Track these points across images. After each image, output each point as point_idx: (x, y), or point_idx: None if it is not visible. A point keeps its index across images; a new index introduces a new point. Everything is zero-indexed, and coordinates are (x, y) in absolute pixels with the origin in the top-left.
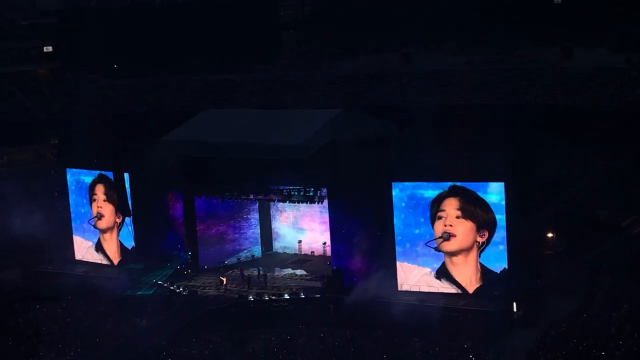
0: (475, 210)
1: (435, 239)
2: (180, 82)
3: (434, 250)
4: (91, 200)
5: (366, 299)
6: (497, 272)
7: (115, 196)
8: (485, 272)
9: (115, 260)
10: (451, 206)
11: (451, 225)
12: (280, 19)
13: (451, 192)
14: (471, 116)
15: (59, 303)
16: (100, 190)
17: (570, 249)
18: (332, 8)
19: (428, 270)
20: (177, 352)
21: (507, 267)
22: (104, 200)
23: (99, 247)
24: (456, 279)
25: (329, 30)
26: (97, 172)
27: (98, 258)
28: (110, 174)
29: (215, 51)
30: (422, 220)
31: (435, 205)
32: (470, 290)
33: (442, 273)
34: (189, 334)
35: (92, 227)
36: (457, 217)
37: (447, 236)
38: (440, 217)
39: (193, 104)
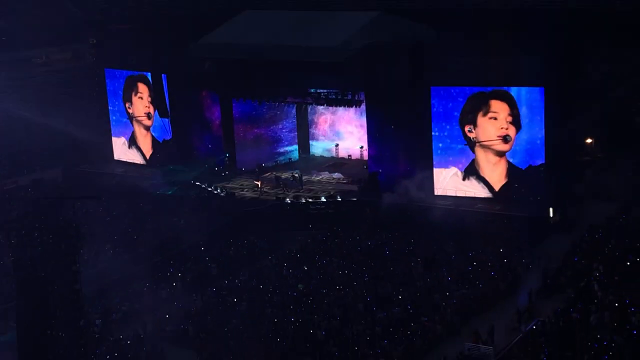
0: (519, 116)
1: (492, 140)
2: None
3: (466, 147)
4: (133, 97)
5: (402, 202)
6: (522, 169)
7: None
8: (511, 169)
9: (148, 154)
10: (504, 110)
11: (507, 129)
12: None
13: (497, 95)
14: (512, 20)
15: (99, 202)
16: (144, 90)
17: (609, 155)
18: None
19: (454, 170)
20: (214, 251)
21: (532, 165)
22: (150, 102)
23: (132, 142)
24: (485, 177)
25: None
26: (137, 72)
27: (131, 154)
28: (148, 75)
29: None
30: (450, 126)
31: (482, 106)
32: (497, 187)
33: (471, 172)
34: (227, 234)
35: (129, 123)
36: (509, 122)
37: (509, 138)
38: (493, 118)
39: (230, 4)
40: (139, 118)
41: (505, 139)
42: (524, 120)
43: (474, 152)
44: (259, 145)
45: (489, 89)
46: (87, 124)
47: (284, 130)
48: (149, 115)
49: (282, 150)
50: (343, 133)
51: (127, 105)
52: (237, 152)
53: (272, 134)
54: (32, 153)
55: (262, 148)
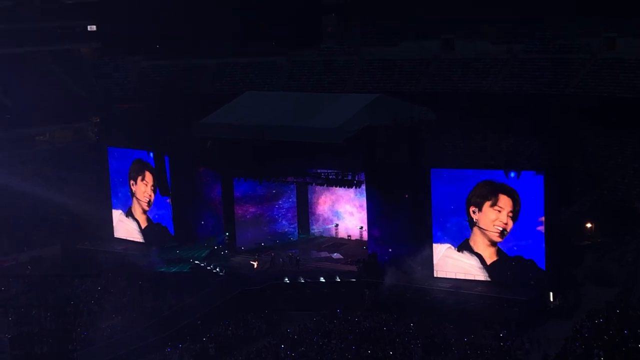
0: (519, 212)
1: (490, 230)
2: (220, 65)
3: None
4: (138, 180)
5: (401, 283)
6: (510, 255)
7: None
8: (500, 253)
9: (143, 225)
10: (508, 206)
11: (506, 224)
12: (321, 3)
13: (505, 190)
14: (511, 105)
15: (98, 280)
16: (150, 179)
17: (609, 240)
18: None
19: (447, 245)
20: (212, 330)
21: (519, 255)
22: (152, 190)
23: (129, 214)
24: (479, 252)
25: (371, 14)
26: (138, 151)
27: (128, 223)
28: (146, 153)
29: (256, 34)
30: (452, 207)
31: (491, 197)
32: (488, 262)
33: (465, 247)
34: (225, 313)
35: (130, 198)
36: (509, 217)
37: (505, 233)
38: (497, 211)
39: (233, 86)
40: (139, 199)
41: (502, 232)
42: (522, 210)
43: (471, 229)
44: (258, 225)
45: (497, 178)
46: (87, 201)
47: (283, 210)
48: (149, 202)
49: (281, 229)
50: (343, 213)
51: (131, 183)
52: (237, 231)
53: (272, 214)
54: (32, 230)
55: (261, 227)
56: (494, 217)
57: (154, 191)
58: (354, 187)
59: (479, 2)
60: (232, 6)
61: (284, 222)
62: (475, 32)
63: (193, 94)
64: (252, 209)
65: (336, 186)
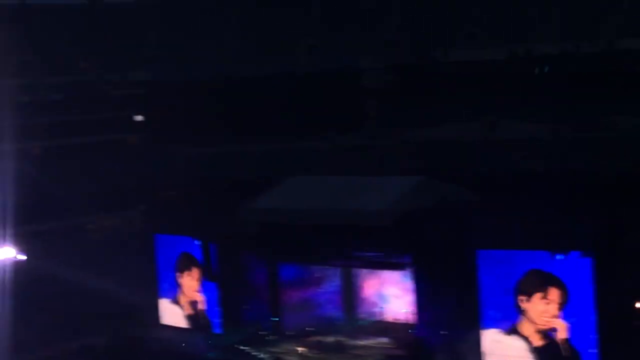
0: (565, 304)
1: (537, 323)
2: (265, 150)
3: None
4: (185, 273)
5: None
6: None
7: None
8: (547, 337)
9: (188, 311)
10: (557, 297)
11: (554, 315)
12: (362, 86)
13: (555, 282)
14: (557, 185)
15: None
16: (196, 272)
17: None
18: (415, 75)
19: (496, 330)
20: None
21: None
22: (199, 284)
23: (175, 301)
24: (525, 335)
25: (411, 97)
26: (185, 238)
27: (176, 309)
28: (192, 242)
29: (299, 119)
30: (500, 290)
31: (542, 288)
32: (536, 345)
33: (513, 331)
34: None
35: (176, 287)
36: (557, 308)
37: (550, 326)
38: (546, 303)
39: (278, 171)
40: (185, 292)
41: (547, 324)
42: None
43: (519, 315)
44: (304, 309)
45: (545, 266)
46: (135, 289)
47: (328, 294)
48: (194, 296)
49: (327, 314)
50: (388, 297)
51: (177, 274)
52: (283, 316)
53: (317, 298)
54: (80, 319)
55: (307, 311)
56: (542, 309)
57: (200, 282)
58: (399, 269)
59: (522, 82)
60: (274, 93)
61: (329, 306)
62: (518, 113)
63: (239, 179)
64: (297, 294)
65: (382, 269)
